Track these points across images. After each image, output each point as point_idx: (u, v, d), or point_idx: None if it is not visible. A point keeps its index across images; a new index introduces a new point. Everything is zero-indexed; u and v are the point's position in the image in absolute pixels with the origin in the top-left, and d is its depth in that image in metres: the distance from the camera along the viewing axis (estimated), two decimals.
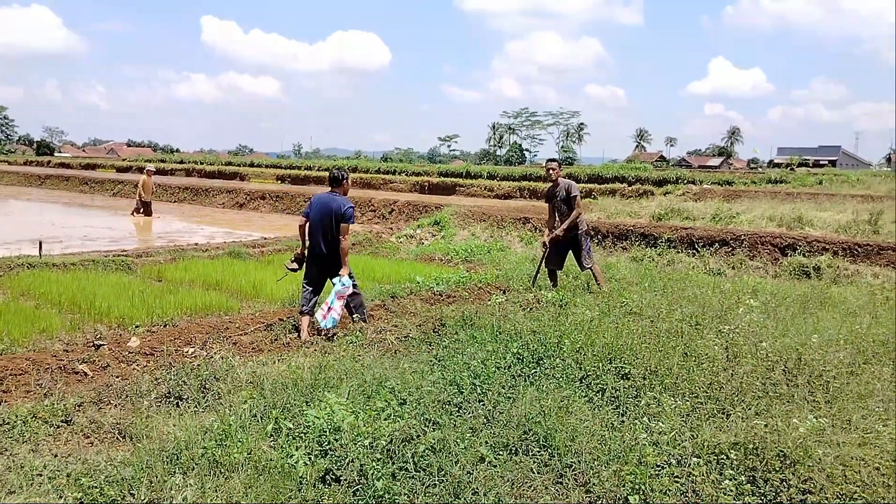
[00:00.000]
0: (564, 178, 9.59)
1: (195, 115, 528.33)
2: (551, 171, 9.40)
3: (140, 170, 40.14)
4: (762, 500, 3.62)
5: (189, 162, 50.23)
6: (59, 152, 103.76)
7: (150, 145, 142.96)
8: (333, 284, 7.10)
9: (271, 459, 3.93)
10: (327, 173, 32.11)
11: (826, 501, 3.54)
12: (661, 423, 4.40)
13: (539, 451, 4.11)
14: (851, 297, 8.92)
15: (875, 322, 7.10)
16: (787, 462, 3.82)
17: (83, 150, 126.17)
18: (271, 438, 4.26)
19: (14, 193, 34.24)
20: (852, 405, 4.72)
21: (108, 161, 59.36)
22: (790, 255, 12.37)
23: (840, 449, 3.92)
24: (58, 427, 4.58)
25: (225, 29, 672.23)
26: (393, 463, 3.86)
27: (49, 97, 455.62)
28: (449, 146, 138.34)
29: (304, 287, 7.34)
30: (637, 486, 3.70)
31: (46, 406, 4.80)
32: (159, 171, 45.22)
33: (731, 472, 3.78)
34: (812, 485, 3.65)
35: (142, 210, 22.16)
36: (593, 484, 3.77)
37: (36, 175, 42.61)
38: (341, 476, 3.77)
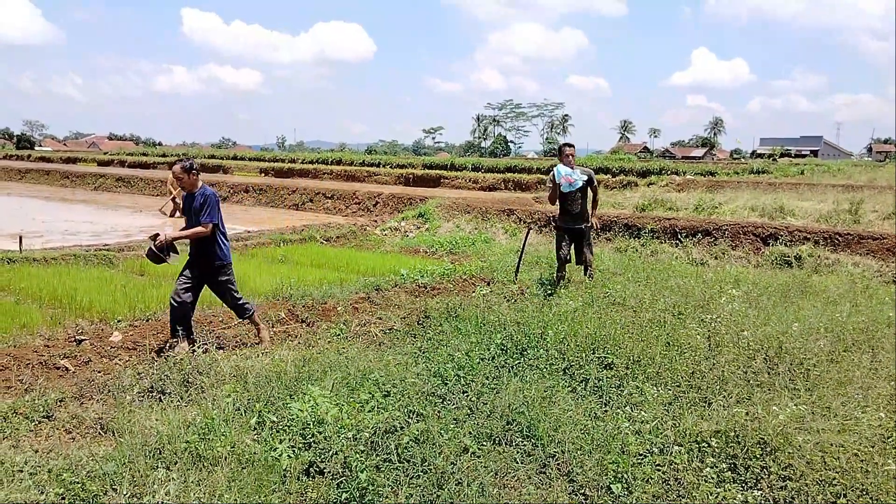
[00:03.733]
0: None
1: (176, 108, 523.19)
2: (570, 158, 8.75)
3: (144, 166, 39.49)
4: (743, 486, 3.66)
5: (171, 155, 49.72)
6: (40, 146, 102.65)
7: (133, 138, 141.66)
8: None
9: (255, 453, 3.92)
10: (311, 166, 31.30)
11: (806, 487, 3.58)
12: (643, 412, 4.44)
13: (522, 442, 4.13)
14: (832, 285, 9.00)
15: (855, 310, 7.18)
16: (768, 449, 3.87)
17: (64, 144, 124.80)
18: (255, 432, 4.25)
19: None
20: (832, 392, 4.77)
21: (89, 155, 58.69)
22: (772, 245, 12.48)
23: (820, 436, 3.97)
24: (39, 422, 4.55)
25: (206, 20, 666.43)
26: (377, 455, 3.86)
27: (26, 89, 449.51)
28: (433, 138, 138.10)
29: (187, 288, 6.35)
30: (620, 475, 3.73)
31: (27, 401, 4.76)
32: (140, 165, 44.90)
33: (712, 459, 3.82)
34: (792, 471, 3.70)
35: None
36: (576, 473, 3.80)
37: (16, 169, 42.05)
38: (325, 468, 3.77)
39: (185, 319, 6.25)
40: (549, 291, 8.21)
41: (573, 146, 8.98)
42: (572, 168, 8.64)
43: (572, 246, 8.87)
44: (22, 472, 3.74)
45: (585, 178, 8.62)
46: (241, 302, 6.54)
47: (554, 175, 8.65)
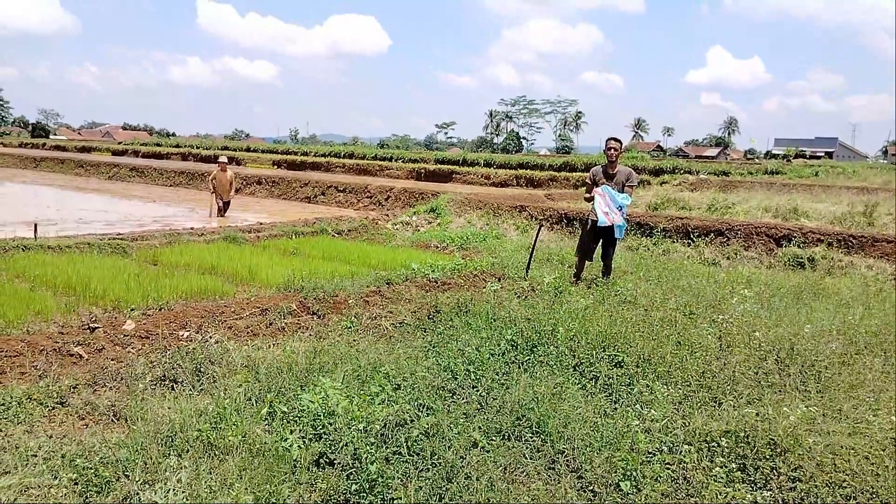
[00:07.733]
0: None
1: (190, 99, 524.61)
2: (612, 152, 8.72)
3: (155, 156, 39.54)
4: (752, 487, 3.66)
5: (185, 146, 49.93)
6: (55, 135, 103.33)
7: (147, 129, 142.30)
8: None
9: (265, 443, 3.95)
10: (324, 159, 31.51)
11: (815, 489, 3.58)
12: (653, 411, 4.44)
13: (532, 437, 4.14)
14: (845, 288, 8.95)
15: (868, 313, 7.14)
16: (778, 450, 3.86)
17: (79, 133, 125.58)
18: (266, 422, 4.28)
19: (9, 176, 34.00)
20: (843, 395, 4.75)
21: (103, 144, 59.06)
22: (785, 246, 12.41)
23: (830, 438, 3.96)
24: (53, 408, 4.59)
25: (221, 12, 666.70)
26: (386, 447, 3.88)
27: (42, 78, 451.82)
28: (446, 133, 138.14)
29: None
30: (629, 473, 3.73)
31: (41, 388, 4.81)
32: (154, 155, 45.09)
33: (721, 459, 3.82)
34: (802, 472, 3.69)
35: (222, 211, 17.98)
36: (585, 470, 3.81)
37: (31, 157, 42.32)
38: (335, 460, 3.79)
39: None
40: (561, 289, 8.20)
41: (619, 140, 8.91)
42: (613, 161, 8.76)
43: (599, 244, 8.93)
44: (36, 456, 3.79)
45: (625, 220, 8.80)
46: None
47: (593, 204, 8.73)
